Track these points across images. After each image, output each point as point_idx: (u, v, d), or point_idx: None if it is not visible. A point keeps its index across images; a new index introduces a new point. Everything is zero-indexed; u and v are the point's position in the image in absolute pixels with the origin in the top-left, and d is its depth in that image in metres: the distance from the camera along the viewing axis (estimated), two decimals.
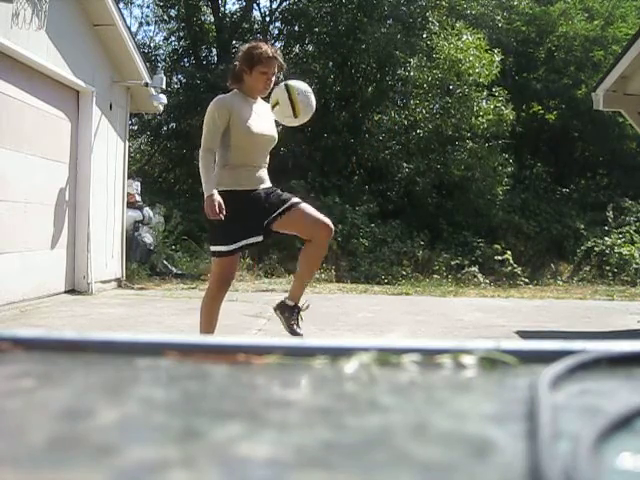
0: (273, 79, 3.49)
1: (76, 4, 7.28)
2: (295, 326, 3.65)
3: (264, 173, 3.57)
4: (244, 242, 3.48)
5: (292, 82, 3.53)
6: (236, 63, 3.53)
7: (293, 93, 3.44)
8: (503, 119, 12.40)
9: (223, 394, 0.51)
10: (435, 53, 12.66)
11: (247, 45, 3.56)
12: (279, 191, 3.61)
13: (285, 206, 3.49)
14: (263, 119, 3.52)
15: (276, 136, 3.61)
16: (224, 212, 3.32)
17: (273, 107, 3.49)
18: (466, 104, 12.28)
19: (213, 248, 3.54)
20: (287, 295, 3.73)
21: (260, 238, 3.51)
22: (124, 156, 8.85)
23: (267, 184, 3.59)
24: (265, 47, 3.47)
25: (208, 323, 3.49)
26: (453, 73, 12.41)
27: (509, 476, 0.35)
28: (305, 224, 3.50)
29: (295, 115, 3.47)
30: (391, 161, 13.04)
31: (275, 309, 3.74)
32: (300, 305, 3.68)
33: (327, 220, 3.50)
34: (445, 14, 13.75)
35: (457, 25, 12.91)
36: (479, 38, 12.47)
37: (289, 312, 3.66)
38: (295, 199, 3.56)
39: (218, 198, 3.31)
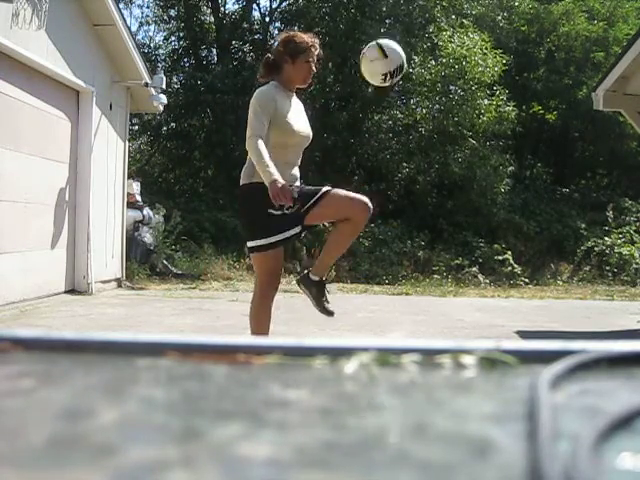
0: (314, 68, 3.44)
1: (76, 4, 7.28)
2: (326, 303, 3.53)
3: (297, 171, 3.47)
4: (285, 235, 3.34)
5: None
6: (269, 54, 3.49)
7: (379, 43, 3.54)
8: (505, 118, 12.40)
9: (223, 394, 0.51)
10: (439, 50, 12.65)
11: (284, 35, 3.48)
12: (309, 186, 3.56)
13: (318, 195, 3.34)
14: (301, 116, 3.45)
15: (311, 135, 3.51)
16: (294, 195, 3.16)
17: (371, 62, 3.55)
18: (468, 103, 12.28)
19: (253, 243, 3.35)
20: (311, 269, 3.55)
21: (298, 229, 3.36)
22: (124, 156, 8.85)
23: (298, 182, 3.50)
24: (305, 36, 3.42)
25: (260, 325, 3.39)
26: (457, 71, 12.41)
27: (509, 476, 0.35)
28: (340, 205, 3.34)
29: (385, 55, 3.50)
30: (391, 160, 13.04)
31: (299, 282, 3.60)
32: (325, 280, 3.54)
33: (364, 198, 3.34)
34: (453, 13, 13.75)
35: (465, 22, 12.92)
36: (484, 40, 12.48)
37: (317, 288, 3.51)
38: (326, 187, 3.44)
39: (282, 181, 3.09)
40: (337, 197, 3.35)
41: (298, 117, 3.40)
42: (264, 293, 3.44)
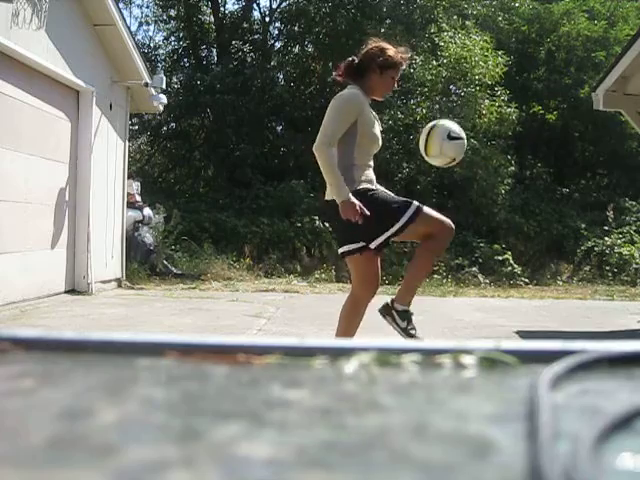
0: (396, 85, 3.48)
1: (76, 4, 7.28)
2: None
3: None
4: (387, 235, 3.31)
5: (442, 123, 3.61)
6: (353, 57, 3.42)
7: (433, 133, 3.50)
8: (506, 119, 12.39)
9: (223, 394, 0.51)
10: (440, 51, 12.65)
11: (378, 43, 3.42)
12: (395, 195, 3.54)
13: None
14: (378, 125, 3.46)
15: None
16: (365, 212, 3.16)
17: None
18: (469, 103, 12.27)
19: (394, 228, 3.25)
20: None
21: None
22: (124, 156, 8.85)
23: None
24: (399, 52, 3.40)
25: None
26: (458, 71, 12.41)
27: (509, 476, 0.35)
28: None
29: (426, 153, 3.56)
30: (391, 160, 13.04)
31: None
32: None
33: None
34: (455, 13, 13.77)
35: (467, 22, 12.93)
36: (485, 40, 12.48)
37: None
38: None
39: (355, 201, 3.15)
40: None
41: (378, 126, 3.43)
42: (440, 247, 3.43)
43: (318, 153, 3.21)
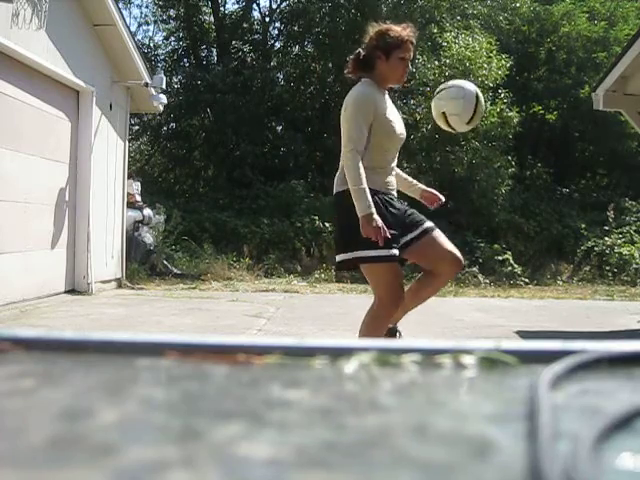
0: (410, 65, 3.16)
1: (76, 4, 7.29)
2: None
3: (394, 177, 3.22)
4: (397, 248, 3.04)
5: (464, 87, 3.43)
6: (359, 50, 3.14)
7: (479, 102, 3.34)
8: (507, 122, 12.39)
9: (223, 394, 0.51)
10: (442, 50, 12.64)
11: (378, 28, 3.12)
12: (411, 209, 3.28)
13: (419, 231, 3.15)
14: (398, 115, 3.19)
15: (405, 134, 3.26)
16: (387, 234, 2.91)
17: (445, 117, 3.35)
18: None
19: (369, 253, 2.99)
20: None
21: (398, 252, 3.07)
22: (124, 156, 8.85)
23: (396, 192, 3.23)
24: (400, 29, 3.08)
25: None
26: (461, 72, 12.40)
27: (509, 476, 0.35)
28: (436, 255, 3.14)
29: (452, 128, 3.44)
30: None
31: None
32: (397, 327, 3.27)
33: (458, 254, 3.18)
34: (457, 13, 13.78)
35: (471, 22, 12.93)
36: (489, 42, 12.48)
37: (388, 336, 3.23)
38: (428, 224, 3.20)
39: (378, 219, 2.90)
40: (436, 245, 3.12)
41: (397, 117, 3.17)
42: (384, 313, 3.17)
43: (346, 160, 2.96)
